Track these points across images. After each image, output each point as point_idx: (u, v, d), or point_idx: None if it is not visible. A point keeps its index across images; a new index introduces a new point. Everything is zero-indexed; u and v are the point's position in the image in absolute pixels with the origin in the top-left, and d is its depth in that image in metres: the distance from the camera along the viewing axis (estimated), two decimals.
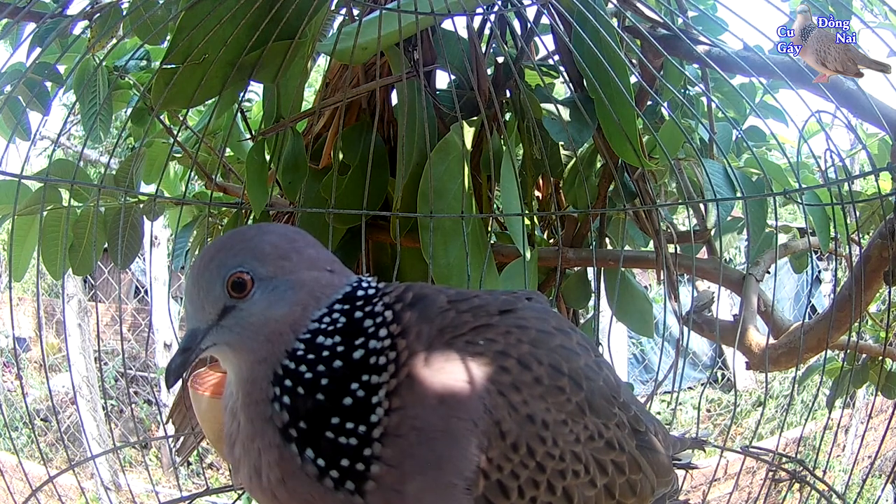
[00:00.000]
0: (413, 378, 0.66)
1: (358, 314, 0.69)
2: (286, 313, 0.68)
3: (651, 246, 1.66)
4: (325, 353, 0.67)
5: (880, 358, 1.64)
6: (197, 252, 1.79)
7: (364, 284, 0.73)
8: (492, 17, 1.48)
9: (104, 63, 1.47)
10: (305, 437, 0.65)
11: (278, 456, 0.66)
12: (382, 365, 0.66)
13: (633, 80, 1.30)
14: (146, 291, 5.95)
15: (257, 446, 0.67)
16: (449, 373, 0.67)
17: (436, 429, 0.65)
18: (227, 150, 1.66)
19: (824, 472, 3.18)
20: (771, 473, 1.32)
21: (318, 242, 0.75)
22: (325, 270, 0.71)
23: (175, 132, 1.46)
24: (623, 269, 1.54)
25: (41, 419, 5.37)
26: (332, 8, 1.48)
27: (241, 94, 1.39)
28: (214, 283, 0.68)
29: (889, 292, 1.25)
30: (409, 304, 0.72)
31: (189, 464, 4.29)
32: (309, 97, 1.98)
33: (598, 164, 1.62)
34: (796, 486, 1.28)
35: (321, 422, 0.65)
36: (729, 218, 1.61)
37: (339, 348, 0.67)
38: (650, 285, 4.46)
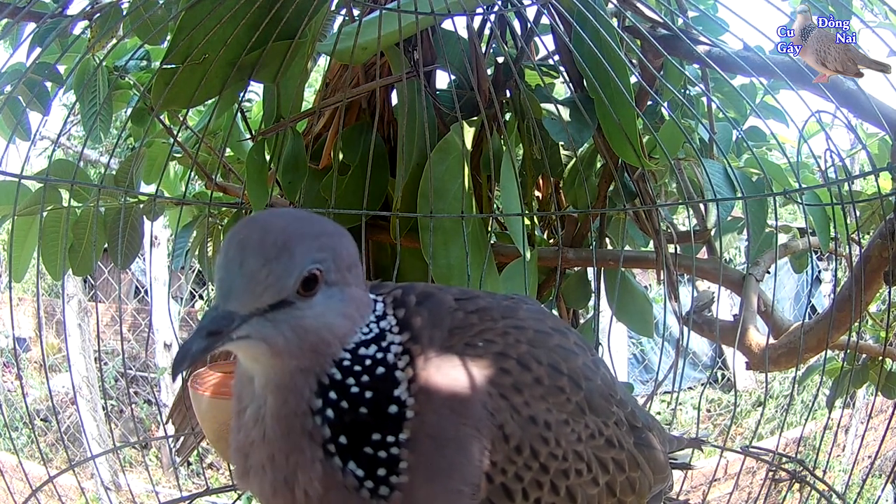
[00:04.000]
0: (427, 384, 0.66)
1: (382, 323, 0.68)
2: (340, 325, 0.63)
3: (651, 246, 1.66)
4: (368, 363, 0.64)
5: (880, 358, 1.64)
6: (198, 252, 1.79)
7: (378, 303, 0.71)
8: (492, 17, 1.48)
9: (104, 63, 1.47)
10: (346, 450, 0.63)
11: (322, 472, 0.62)
12: (403, 368, 0.66)
13: (633, 80, 1.30)
14: (146, 291, 5.94)
15: (294, 461, 0.63)
16: (454, 378, 0.67)
17: (447, 437, 0.65)
18: (227, 150, 1.66)
19: (824, 472, 3.17)
20: (771, 473, 1.32)
21: None
22: (366, 290, 0.69)
23: (175, 132, 1.46)
24: (623, 269, 1.54)
25: (41, 419, 5.37)
26: (332, 8, 1.48)
27: (241, 94, 1.39)
28: (289, 273, 0.58)
29: (889, 292, 1.25)
30: (417, 305, 0.71)
31: (189, 464, 4.29)
32: (309, 97, 1.98)
33: (598, 164, 1.62)
34: (796, 486, 1.28)
35: (361, 437, 0.63)
36: (729, 218, 1.61)
37: (379, 355, 0.65)
38: (650, 285, 4.46)
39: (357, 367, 0.64)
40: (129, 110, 1.57)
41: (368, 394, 0.63)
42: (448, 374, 0.67)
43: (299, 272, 0.59)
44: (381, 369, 0.65)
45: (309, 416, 0.63)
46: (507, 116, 1.58)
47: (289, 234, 0.59)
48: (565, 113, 1.34)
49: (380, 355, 0.65)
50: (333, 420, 0.62)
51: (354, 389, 0.63)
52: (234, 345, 0.60)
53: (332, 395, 0.63)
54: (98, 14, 1.31)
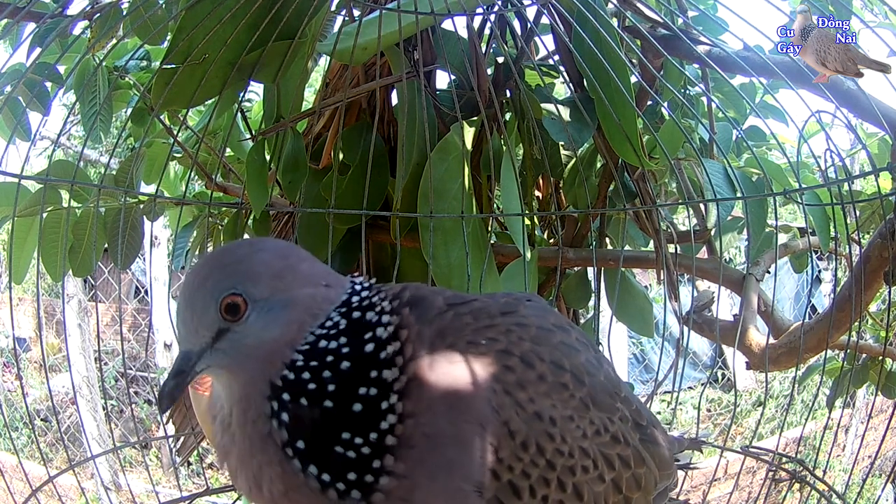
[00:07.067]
0: (419, 382, 0.65)
1: (356, 314, 0.68)
2: (282, 333, 0.66)
3: (651, 246, 1.66)
4: (330, 358, 0.65)
5: (880, 358, 1.64)
6: (197, 252, 1.79)
7: (357, 287, 0.71)
8: (492, 17, 1.48)
9: (104, 63, 1.47)
10: (308, 454, 0.63)
11: (281, 471, 0.64)
12: (391, 357, 0.65)
13: (633, 80, 1.30)
14: (146, 291, 5.95)
15: (257, 461, 0.65)
16: (454, 376, 0.66)
17: (446, 434, 0.64)
18: (227, 150, 1.66)
19: (824, 472, 3.17)
20: (771, 473, 1.32)
21: (311, 256, 0.72)
22: (321, 286, 0.69)
23: (175, 132, 1.46)
24: (623, 269, 1.54)
25: (41, 419, 5.37)
26: (333, 8, 1.48)
27: (241, 94, 1.38)
28: (208, 307, 0.65)
29: (889, 292, 1.25)
30: (407, 302, 0.71)
31: (189, 464, 4.29)
32: (309, 97, 1.98)
33: (598, 164, 1.62)
34: (796, 486, 1.28)
35: (330, 435, 0.63)
36: (729, 218, 1.61)
37: (345, 349, 0.65)
38: (650, 285, 4.45)
39: (314, 363, 0.65)
40: (129, 110, 1.57)
41: (332, 386, 0.64)
42: (446, 371, 0.66)
43: (216, 304, 0.65)
44: (346, 363, 0.65)
45: (265, 421, 0.65)
46: (507, 116, 1.58)
47: (203, 275, 0.67)
48: (565, 113, 1.34)
49: (346, 350, 0.65)
50: (289, 422, 0.64)
51: (312, 386, 0.64)
52: (201, 375, 0.67)
53: (286, 396, 0.64)
54: (98, 14, 1.31)
